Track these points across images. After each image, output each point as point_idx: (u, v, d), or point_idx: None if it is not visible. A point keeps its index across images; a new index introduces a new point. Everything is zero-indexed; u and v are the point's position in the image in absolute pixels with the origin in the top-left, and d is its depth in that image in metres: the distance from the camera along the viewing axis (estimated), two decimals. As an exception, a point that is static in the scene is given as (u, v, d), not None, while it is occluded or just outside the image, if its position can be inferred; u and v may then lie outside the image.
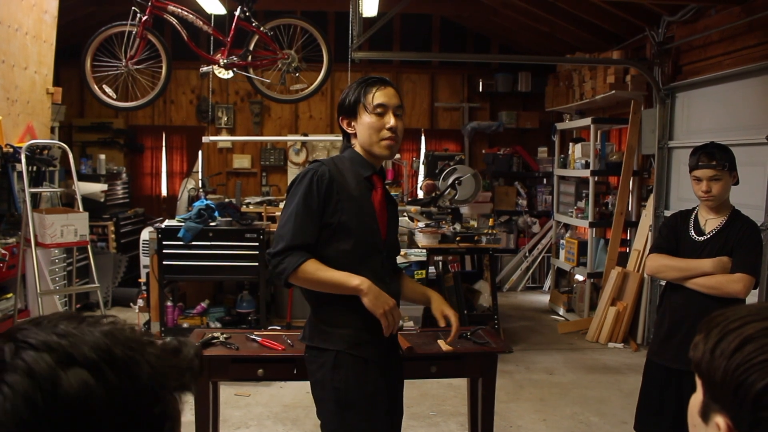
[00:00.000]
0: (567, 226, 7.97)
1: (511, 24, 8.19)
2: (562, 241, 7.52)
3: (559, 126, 7.82)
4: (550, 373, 5.42)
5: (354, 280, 2.13)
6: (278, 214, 6.22)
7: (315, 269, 2.13)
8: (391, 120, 2.22)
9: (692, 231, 2.98)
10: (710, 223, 2.95)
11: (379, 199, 2.29)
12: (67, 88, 8.06)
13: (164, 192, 9.02)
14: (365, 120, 2.22)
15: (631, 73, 6.45)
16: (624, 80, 6.54)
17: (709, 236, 2.93)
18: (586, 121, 6.89)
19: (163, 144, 9.00)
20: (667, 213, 5.63)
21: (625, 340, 6.21)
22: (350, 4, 5.79)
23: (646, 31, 6.37)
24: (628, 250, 6.80)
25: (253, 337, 2.97)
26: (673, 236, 3.02)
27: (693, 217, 3.02)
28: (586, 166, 6.81)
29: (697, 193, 2.95)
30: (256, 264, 5.44)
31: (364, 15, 5.96)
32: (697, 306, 2.87)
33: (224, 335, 2.98)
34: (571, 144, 7.35)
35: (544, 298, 8.13)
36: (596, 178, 6.81)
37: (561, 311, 7.35)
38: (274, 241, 2.20)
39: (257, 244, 5.45)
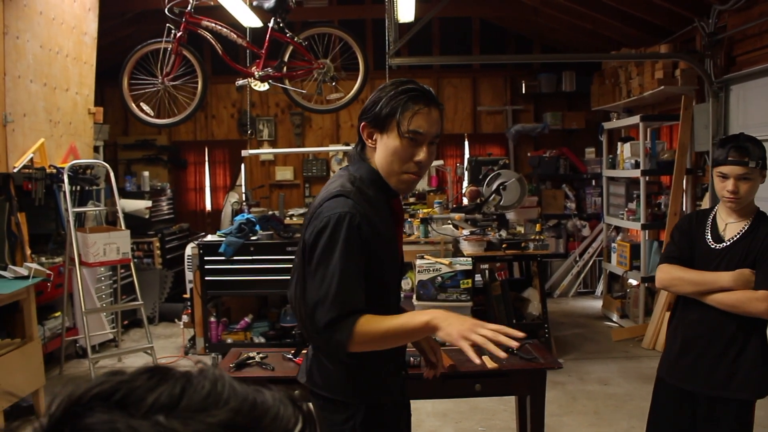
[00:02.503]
0: (618, 229, 7.69)
1: (553, 23, 7.97)
2: (613, 245, 7.25)
3: (606, 125, 7.55)
4: (605, 384, 5.19)
5: (421, 318, 1.71)
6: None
7: (370, 327, 1.71)
8: (422, 153, 1.82)
9: (709, 236, 2.60)
10: (730, 228, 2.57)
11: (398, 221, 2.04)
12: (111, 107, 8.19)
13: (208, 206, 9.07)
14: (392, 143, 1.81)
15: (681, 67, 6.18)
16: (673, 75, 6.27)
17: (728, 244, 2.54)
18: (635, 119, 6.62)
19: (206, 159, 9.06)
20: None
21: (685, 347, 5.91)
22: (385, 11, 5.70)
23: (695, 22, 6.09)
24: (684, 252, 6.49)
25: (290, 356, 2.87)
26: (687, 243, 2.64)
27: (711, 219, 2.63)
28: (637, 165, 6.54)
29: (721, 192, 2.54)
30: (298, 277, 5.37)
31: (402, 21, 5.85)
32: (713, 324, 2.54)
33: (260, 355, 2.89)
34: (619, 143, 7.08)
35: (596, 304, 7.86)
36: (647, 178, 6.54)
37: (614, 317, 7.08)
38: (315, 306, 1.74)
39: (298, 257, 5.37)
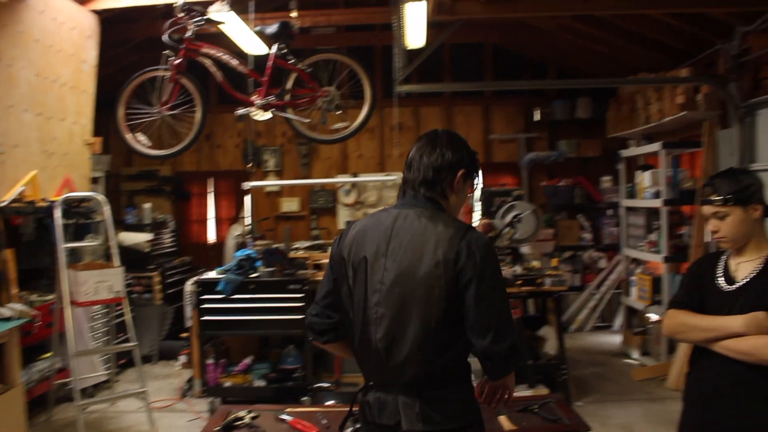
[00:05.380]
0: (637, 261, 7.35)
1: (568, 48, 7.74)
2: (632, 278, 6.90)
3: (624, 153, 7.26)
4: (629, 431, 4.83)
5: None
6: (326, 261, 5.86)
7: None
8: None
9: (721, 278, 2.41)
10: (743, 268, 2.38)
11: None
12: (114, 137, 7.97)
13: (212, 239, 8.82)
14: (464, 195, 2.08)
15: (703, 91, 5.89)
16: (694, 100, 5.97)
17: (740, 285, 2.35)
18: (655, 146, 6.32)
19: (210, 190, 8.83)
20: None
21: (713, 389, 5.55)
22: (393, 37, 5.48)
23: (717, 44, 5.82)
24: (709, 286, 6.15)
25: (284, 416, 2.57)
26: (697, 287, 2.46)
27: (723, 261, 2.46)
28: (657, 195, 6.22)
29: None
30: (301, 317, 5.07)
31: (412, 47, 5.63)
32: (731, 376, 2.29)
33: (251, 414, 2.59)
34: (638, 172, 6.76)
35: (614, 339, 7.49)
36: (669, 208, 6.22)
37: (635, 354, 6.71)
38: (503, 338, 1.86)
39: (302, 295, 5.09)
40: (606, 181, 8.33)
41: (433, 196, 1.99)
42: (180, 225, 8.66)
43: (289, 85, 5.09)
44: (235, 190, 8.82)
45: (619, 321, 7.84)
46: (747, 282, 2.34)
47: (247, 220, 8.67)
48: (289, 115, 5.15)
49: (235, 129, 8.90)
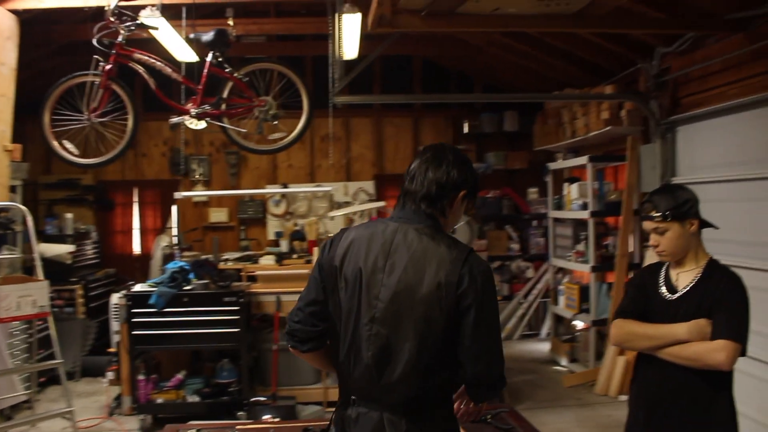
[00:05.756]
0: (563, 270, 7.58)
1: (496, 62, 7.93)
2: (560, 287, 7.11)
3: (552, 166, 7.49)
4: (564, 436, 4.97)
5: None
6: (262, 272, 5.77)
7: None
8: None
9: (663, 288, 2.52)
10: (683, 277, 2.49)
11: None
12: (32, 144, 7.60)
13: (137, 250, 8.51)
14: (460, 214, 2.05)
15: (626, 107, 6.16)
16: (618, 116, 6.24)
17: (682, 293, 2.46)
18: (583, 160, 6.56)
19: (136, 199, 8.54)
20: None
21: (638, 393, 5.77)
22: (329, 47, 5.47)
23: (638, 63, 6.11)
24: (632, 294, 6.40)
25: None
26: (641, 296, 2.56)
27: (664, 271, 2.57)
28: (585, 207, 6.45)
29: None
30: (237, 330, 4.97)
31: (347, 57, 5.64)
32: (675, 382, 2.40)
33: None
34: (566, 184, 6.99)
35: (542, 347, 7.69)
36: (595, 220, 6.45)
37: (564, 362, 6.91)
38: (494, 357, 1.89)
39: (237, 308, 4.98)
40: (533, 192, 8.56)
41: (433, 213, 1.96)
42: (103, 236, 8.33)
43: (225, 94, 5.00)
44: (161, 200, 8.57)
45: (546, 329, 8.05)
46: (687, 291, 2.45)
47: (174, 231, 8.44)
48: (226, 124, 5.05)
49: (161, 137, 8.67)
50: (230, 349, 5.22)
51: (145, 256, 8.36)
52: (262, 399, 5.02)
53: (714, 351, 2.29)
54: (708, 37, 5.23)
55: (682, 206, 2.45)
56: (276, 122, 5.08)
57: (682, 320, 2.40)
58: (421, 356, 1.84)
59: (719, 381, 2.39)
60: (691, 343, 2.34)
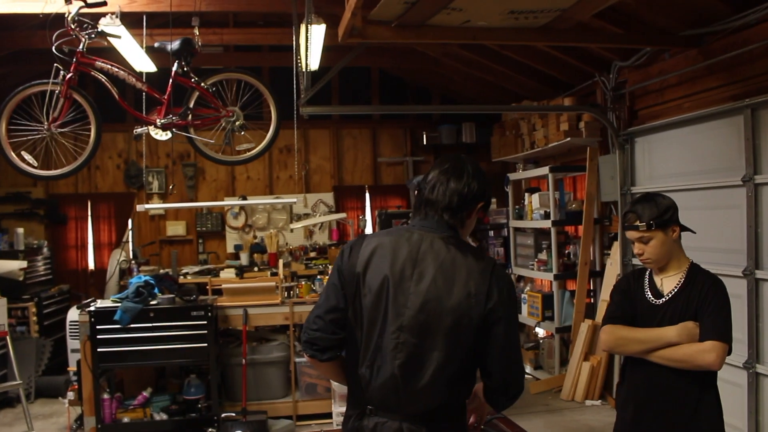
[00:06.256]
0: (521, 278, 7.69)
1: (454, 74, 8.02)
2: (523, 295, 7.21)
3: (512, 176, 7.61)
4: (534, 443, 5.02)
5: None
6: (228, 286, 5.67)
7: None
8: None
9: (648, 293, 2.60)
10: (667, 282, 2.58)
11: None
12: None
13: (92, 265, 8.26)
14: (470, 227, 2.07)
15: (585, 119, 6.32)
16: (577, 127, 6.39)
17: (668, 298, 2.54)
18: (544, 170, 6.69)
19: (89, 213, 8.29)
20: (636, 261, 5.40)
21: (602, 396, 5.90)
22: (293, 58, 5.44)
23: (595, 77, 6.28)
24: (593, 302, 6.55)
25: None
26: (628, 302, 2.63)
27: (647, 276, 2.65)
28: (546, 216, 6.57)
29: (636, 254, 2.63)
30: (205, 345, 4.86)
31: (312, 68, 5.61)
32: (663, 384, 2.48)
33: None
34: (527, 194, 7.12)
35: (505, 355, 7.76)
36: (556, 229, 6.57)
37: (528, 369, 7.00)
38: (520, 369, 1.98)
39: (205, 322, 4.88)
40: (492, 203, 8.66)
41: (454, 224, 1.98)
42: (56, 251, 8.05)
43: (192, 104, 4.92)
44: (115, 214, 8.34)
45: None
46: (673, 295, 2.53)
47: (131, 245, 8.25)
48: (192, 135, 4.96)
49: (115, 149, 8.47)
50: (199, 364, 5.10)
51: (100, 271, 8.13)
52: (233, 415, 4.93)
53: (704, 352, 2.36)
54: (663, 52, 5.42)
55: (664, 214, 2.53)
56: (243, 132, 5.02)
57: (669, 323, 2.47)
58: (447, 365, 1.85)
59: (706, 380, 2.47)
60: (681, 346, 2.41)
